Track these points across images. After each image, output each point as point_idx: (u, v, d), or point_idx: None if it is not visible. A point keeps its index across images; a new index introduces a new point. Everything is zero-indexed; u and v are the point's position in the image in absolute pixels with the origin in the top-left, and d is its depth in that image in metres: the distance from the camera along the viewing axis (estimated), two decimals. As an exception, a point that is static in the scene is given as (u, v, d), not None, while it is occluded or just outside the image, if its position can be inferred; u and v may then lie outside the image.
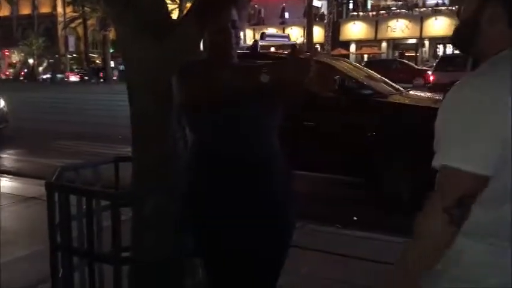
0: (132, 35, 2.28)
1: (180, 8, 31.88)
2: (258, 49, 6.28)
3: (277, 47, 7.78)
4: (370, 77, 6.20)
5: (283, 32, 40.35)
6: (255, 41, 6.47)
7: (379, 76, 6.46)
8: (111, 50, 38.36)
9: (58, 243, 2.42)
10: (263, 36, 7.04)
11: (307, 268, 3.42)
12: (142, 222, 2.23)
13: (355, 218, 4.92)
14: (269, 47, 7.46)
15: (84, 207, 2.31)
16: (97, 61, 50.71)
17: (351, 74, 5.81)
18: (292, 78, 1.57)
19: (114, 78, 39.36)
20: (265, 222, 1.85)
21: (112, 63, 40.83)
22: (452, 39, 1.22)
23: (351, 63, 7.24)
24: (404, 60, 26.73)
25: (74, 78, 43.88)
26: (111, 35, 36.62)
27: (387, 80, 6.42)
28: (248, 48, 7.11)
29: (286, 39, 8.00)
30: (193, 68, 1.95)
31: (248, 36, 33.45)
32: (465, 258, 1.10)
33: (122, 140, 8.13)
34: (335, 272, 3.37)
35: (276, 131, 1.92)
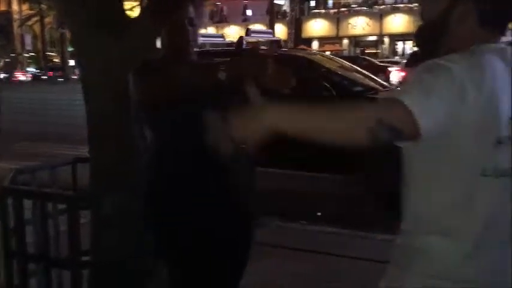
0: (86, 32, 2.21)
1: (141, 4, 31.36)
2: (244, 45, 6.16)
3: (263, 43, 7.71)
4: (356, 72, 6.15)
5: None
6: (241, 37, 6.36)
7: (364, 71, 6.45)
8: (70, 49, 37.41)
9: (13, 249, 2.33)
10: (248, 32, 6.97)
11: (275, 264, 3.42)
12: (102, 222, 2.17)
13: (318, 214, 4.96)
14: (254, 43, 7.39)
15: (40, 210, 2.23)
16: (55, 60, 49.43)
17: (338, 70, 5.74)
18: (248, 75, 1.55)
19: (74, 77, 38.44)
20: (226, 219, 1.83)
21: (71, 62, 39.88)
22: (417, 39, 1.21)
23: (329, 57, 7.25)
24: (367, 57, 27.16)
25: (23, 77, 41.48)
26: (69, 32, 35.76)
27: (373, 76, 6.43)
28: (230, 44, 7.04)
29: (271, 35, 7.95)
30: (151, 66, 1.91)
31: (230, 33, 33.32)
32: (432, 255, 1.08)
33: (83, 141, 7.91)
34: (303, 267, 3.38)
35: None
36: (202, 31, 8.80)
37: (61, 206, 2.35)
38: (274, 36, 8.04)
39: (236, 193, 1.86)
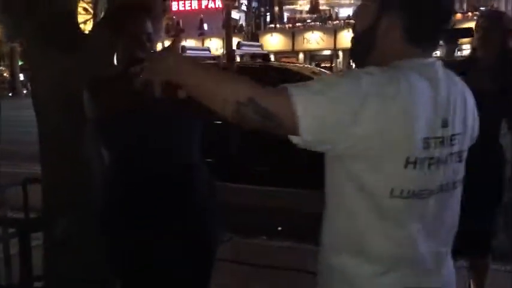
0: (37, 48, 2.12)
1: (95, 18, 30.85)
2: (235, 58, 6.16)
3: (251, 56, 7.68)
4: None
5: (203, 44, 40.37)
6: (232, 51, 6.34)
7: None
8: (20, 63, 36.24)
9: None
10: (239, 45, 6.93)
11: (234, 282, 3.37)
12: (55, 246, 2.06)
13: (279, 228, 4.94)
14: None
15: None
16: (5, 74, 47.77)
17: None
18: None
19: (25, 91, 37.17)
20: (183, 237, 1.78)
21: (21, 77, 38.58)
22: (350, 53, 1.18)
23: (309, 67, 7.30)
24: (323, 70, 27.72)
25: None
26: (19, 47, 34.63)
27: None
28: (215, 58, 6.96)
29: (260, 49, 7.94)
30: (106, 82, 1.85)
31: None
32: (346, 275, 1.05)
33: (31, 158, 7.63)
34: (262, 284, 3.34)
35: (198, 143, 1.86)
36: (243, 41, 8.56)
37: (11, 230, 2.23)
38: (262, 49, 8.03)
39: (193, 211, 1.81)
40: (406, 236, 1.03)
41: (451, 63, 2.66)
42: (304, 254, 3.90)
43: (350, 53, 1.18)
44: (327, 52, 41.10)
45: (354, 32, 1.15)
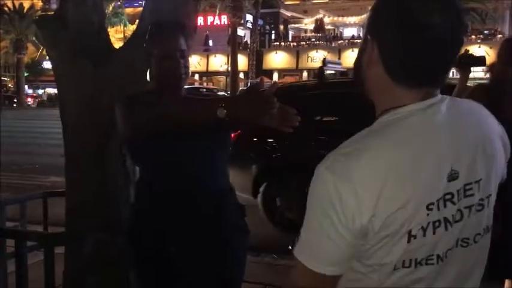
0: (68, 61, 2.13)
1: (124, 34, 31.33)
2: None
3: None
4: None
5: (207, 60, 40.60)
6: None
7: None
8: (26, 74, 36.51)
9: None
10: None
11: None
12: (83, 264, 2.04)
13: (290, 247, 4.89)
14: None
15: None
16: (9, 85, 48.06)
17: None
18: (250, 116, 1.50)
19: (29, 103, 37.36)
20: (213, 260, 1.76)
21: (26, 88, 38.81)
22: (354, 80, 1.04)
23: None
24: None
25: None
26: (26, 58, 34.89)
27: None
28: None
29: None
30: (140, 98, 1.85)
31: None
32: None
33: (41, 170, 7.62)
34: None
35: (227, 165, 1.85)
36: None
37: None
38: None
39: (225, 235, 1.79)
40: None
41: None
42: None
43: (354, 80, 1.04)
44: (331, 71, 41.27)
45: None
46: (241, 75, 37.82)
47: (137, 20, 2.28)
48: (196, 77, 38.32)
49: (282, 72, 41.12)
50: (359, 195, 0.84)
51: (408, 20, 0.84)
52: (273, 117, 1.48)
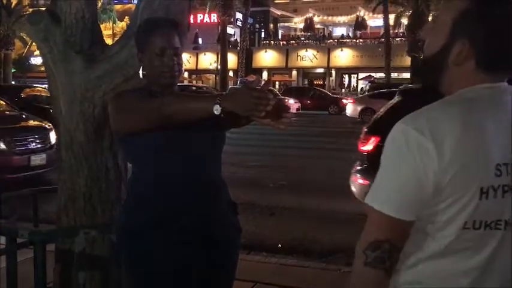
0: (60, 57, 2.11)
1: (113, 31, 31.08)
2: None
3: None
4: None
5: (197, 57, 40.47)
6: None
7: None
8: (13, 70, 36.09)
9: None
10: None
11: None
12: (72, 260, 2.03)
13: (279, 246, 4.92)
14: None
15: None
16: (-5, 81, 47.48)
17: None
18: (245, 112, 1.51)
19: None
20: (207, 257, 1.78)
21: (13, 83, 38.35)
22: (418, 75, 1.16)
23: None
24: (321, 89, 27.89)
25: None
26: (14, 54, 34.49)
27: None
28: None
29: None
30: (133, 95, 1.84)
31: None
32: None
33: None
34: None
35: (221, 154, 1.87)
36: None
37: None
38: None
39: (222, 230, 1.81)
40: (474, 267, 1.00)
41: None
42: (305, 272, 3.89)
43: (416, 73, 1.16)
44: (320, 70, 41.43)
45: (423, 51, 1.11)
46: (231, 74, 37.79)
47: (126, 17, 2.28)
48: (186, 75, 38.20)
49: (272, 70, 41.18)
50: (435, 147, 0.94)
51: (497, 23, 0.99)
52: (268, 114, 1.49)
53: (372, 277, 0.99)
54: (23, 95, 11.30)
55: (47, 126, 7.16)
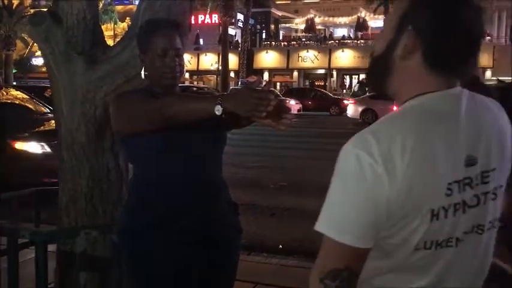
0: (61, 58, 2.12)
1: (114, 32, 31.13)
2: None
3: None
4: None
5: (198, 58, 40.49)
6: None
7: None
8: (14, 71, 36.16)
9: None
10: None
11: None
12: (73, 260, 2.04)
13: (280, 246, 4.92)
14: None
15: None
16: (-3, 81, 47.57)
17: None
18: (246, 113, 1.51)
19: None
20: (208, 257, 1.78)
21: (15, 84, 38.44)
22: (367, 76, 1.10)
23: None
24: (322, 90, 27.93)
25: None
26: (15, 54, 34.56)
27: None
28: None
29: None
30: (135, 95, 1.85)
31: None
32: None
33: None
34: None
35: (222, 155, 1.87)
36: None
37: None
38: None
39: (223, 230, 1.81)
40: (424, 285, 0.96)
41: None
42: (306, 272, 3.88)
43: (367, 77, 1.09)
44: (321, 71, 41.41)
45: (372, 54, 1.04)
46: (232, 74, 37.81)
47: (127, 18, 2.29)
48: (187, 75, 38.23)
49: (273, 71, 41.18)
50: (382, 170, 0.89)
51: (447, 12, 0.93)
52: (269, 115, 1.49)
53: None
54: (46, 95, 11.24)
55: None
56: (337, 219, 0.92)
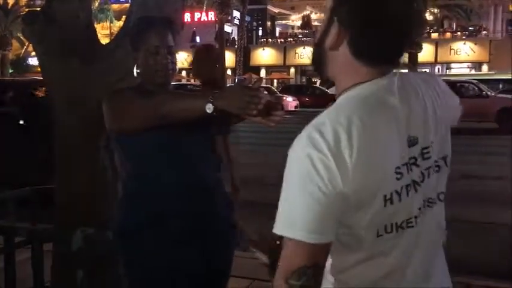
0: (55, 57, 2.13)
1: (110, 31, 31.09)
2: None
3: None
4: None
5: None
6: None
7: None
8: (10, 71, 36.04)
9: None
10: None
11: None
12: (69, 259, 2.05)
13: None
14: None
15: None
16: (-7, 82, 47.27)
17: None
18: (237, 110, 1.52)
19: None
20: (205, 253, 1.79)
21: (11, 85, 38.20)
22: (313, 68, 1.08)
23: None
24: (320, 86, 27.90)
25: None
26: (11, 54, 34.46)
27: None
28: None
29: None
30: (128, 93, 1.85)
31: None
32: None
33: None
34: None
35: (216, 156, 1.88)
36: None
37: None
38: None
39: (218, 227, 1.82)
40: (394, 269, 0.99)
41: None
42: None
43: (312, 66, 1.09)
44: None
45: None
46: (229, 72, 37.75)
47: (124, 16, 2.29)
48: (184, 73, 38.16)
49: (269, 68, 41.13)
50: (333, 164, 0.90)
51: (368, 3, 0.94)
52: (259, 112, 1.50)
53: None
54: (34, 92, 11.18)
55: None
56: (298, 219, 0.91)
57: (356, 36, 0.95)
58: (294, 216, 0.92)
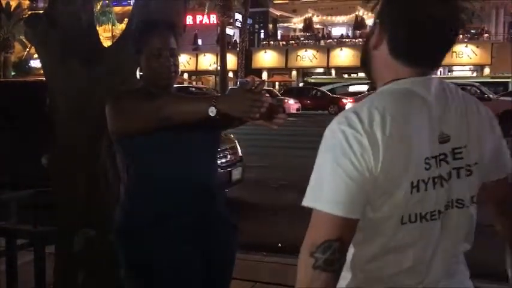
0: (57, 59, 2.13)
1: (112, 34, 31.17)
2: None
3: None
4: None
5: (197, 59, 40.47)
6: None
7: None
8: (13, 73, 36.14)
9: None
10: None
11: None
12: (73, 260, 2.05)
13: (279, 245, 4.93)
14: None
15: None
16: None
17: None
18: (240, 113, 1.52)
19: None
20: (207, 255, 1.79)
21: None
22: (361, 66, 1.16)
23: None
24: (321, 88, 27.91)
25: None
26: (13, 57, 34.55)
27: None
28: None
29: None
30: (130, 95, 1.86)
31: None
32: None
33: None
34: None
35: (217, 153, 1.89)
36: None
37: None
38: None
39: (219, 228, 1.82)
40: (418, 263, 1.02)
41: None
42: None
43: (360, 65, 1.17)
44: (320, 70, 41.41)
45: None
46: (231, 74, 37.77)
47: (126, 19, 2.30)
48: (186, 76, 38.21)
49: (271, 71, 41.15)
50: (366, 140, 0.95)
51: (408, 6, 1.00)
52: (262, 115, 1.50)
53: (323, 280, 0.94)
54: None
55: (232, 136, 6.33)
56: (328, 191, 0.96)
57: (394, 37, 1.01)
58: (323, 189, 0.97)
